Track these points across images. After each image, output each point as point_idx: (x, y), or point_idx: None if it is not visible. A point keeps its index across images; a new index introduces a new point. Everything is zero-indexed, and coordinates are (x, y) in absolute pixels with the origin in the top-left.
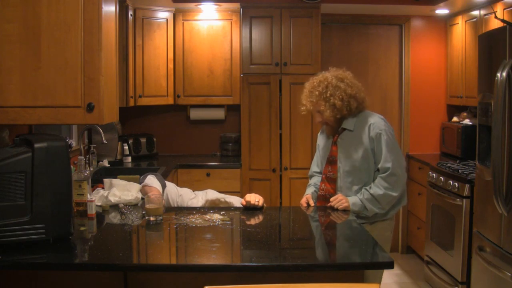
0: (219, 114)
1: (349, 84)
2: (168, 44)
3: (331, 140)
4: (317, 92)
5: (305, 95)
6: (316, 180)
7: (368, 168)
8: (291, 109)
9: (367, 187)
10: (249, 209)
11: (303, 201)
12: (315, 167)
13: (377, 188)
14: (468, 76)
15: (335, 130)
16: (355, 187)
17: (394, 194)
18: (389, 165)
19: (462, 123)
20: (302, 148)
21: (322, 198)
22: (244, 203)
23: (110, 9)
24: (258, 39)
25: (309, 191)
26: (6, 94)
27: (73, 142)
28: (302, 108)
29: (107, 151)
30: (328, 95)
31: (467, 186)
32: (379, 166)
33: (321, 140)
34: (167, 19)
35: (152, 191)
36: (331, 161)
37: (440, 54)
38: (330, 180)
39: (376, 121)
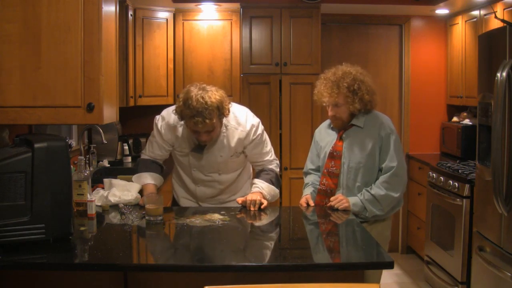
0: None
1: (370, 80)
2: (168, 44)
3: (335, 135)
4: (345, 84)
5: (327, 86)
6: (313, 178)
7: (373, 167)
8: (291, 109)
9: (368, 188)
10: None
11: (302, 201)
12: (310, 164)
13: (378, 188)
14: (468, 76)
15: (344, 125)
16: (358, 184)
17: (395, 195)
18: (394, 164)
19: (462, 123)
20: (302, 148)
21: (323, 193)
22: (240, 202)
23: (110, 9)
24: (258, 39)
25: (308, 191)
26: (6, 94)
27: (73, 142)
28: (323, 100)
29: (107, 151)
30: (356, 87)
31: (467, 186)
32: (383, 165)
33: (321, 136)
34: (167, 19)
35: (151, 190)
36: (334, 156)
37: (440, 54)
38: (332, 175)
39: (386, 121)
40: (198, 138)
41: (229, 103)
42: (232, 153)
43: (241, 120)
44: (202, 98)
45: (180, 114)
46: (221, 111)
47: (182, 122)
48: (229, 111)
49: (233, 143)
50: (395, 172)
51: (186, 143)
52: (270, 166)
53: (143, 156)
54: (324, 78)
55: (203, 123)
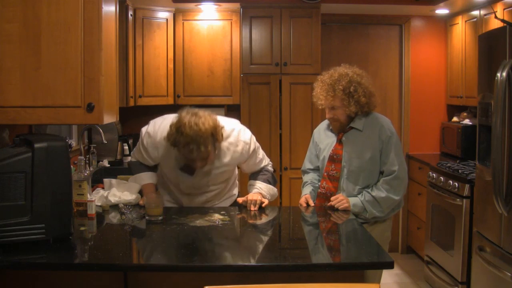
0: (219, 114)
1: (368, 82)
2: (168, 44)
3: (334, 138)
4: (341, 87)
5: (323, 89)
6: (311, 177)
7: (374, 170)
8: (291, 109)
9: (369, 189)
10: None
11: (302, 201)
12: (308, 164)
13: (379, 190)
14: (468, 76)
15: (343, 127)
16: (359, 187)
17: (396, 197)
18: (395, 168)
19: (462, 123)
20: (302, 148)
21: (323, 196)
22: (241, 201)
23: (110, 9)
24: (258, 39)
25: (307, 190)
26: (6, 94)
27: (73, 142)
28: (320, 102)
29: (107, 151)
30: (351, 90)
31: (467, 186)
32: (384, 168)
33: (320, 138)
34: (167, 19)
35: (151, 190)
36: (334, 159)
37: (440, 54)
38: (333, 178)
39: (387, 124)
40: (191, 165)
41: (222, 127)
42: (224, 170)
43: (233, 139)
44: (196, 124)
45: (174, 141)
46: (215, 137)
47: (169, 143)
48: (222, 137)
49: (225, 162)
50: (396, 175)
51: (174, 162)
52: (266, 167)
53: (132, 159)
54: (321, 80)
55: (198, 151)
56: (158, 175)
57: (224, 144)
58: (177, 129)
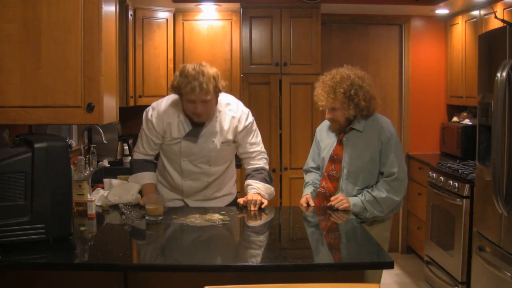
0: None
1: (370, 85)
2: (168, 44)
3: (335, 138)
4: (341, 89)
5: (324, 90)
6: (313, 177)
7: (374, 171)
8: (291, 109)
9: (369, 189)
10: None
11: (302, 201)
12: (311, 162)
13: (380, 191)
14: (468, 76)
15: (342, 128)
16: (358, 188)
17: (396, 198)
18: (395, 169)
19: (462, 123)
20: (302, 148)
21: (322, 196)
22: (242, 202)
23: (110, 9)
24: (258, 39)
25: (308, 190)
26: (6, 94)
27: (73, 142)
28: (320, 103)
29: (107, 151)
30: (352, 93)
31: (467, 186)
32: (384, 169)
33: (322, 136)
34: (167, 19)
35: (151, 190)
36: (334, 159)
37: (440, 54)
38: (332, 178)
39: (387, 125)
40: (193, 111)
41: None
42: (224, 140)
43: (233, 107)
44: (199, 67)
45: (177, 85)
46: (217, 82)
47: (174, 109)
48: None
49: (225, 128)
50: (397, 177)
51: (179, 129)
52: (260, 164)
53: (135, 157)
54: (322, 81)
55: (200, 87)
56: (159, 167)
57: (225, 109)
58: (181, 74)
